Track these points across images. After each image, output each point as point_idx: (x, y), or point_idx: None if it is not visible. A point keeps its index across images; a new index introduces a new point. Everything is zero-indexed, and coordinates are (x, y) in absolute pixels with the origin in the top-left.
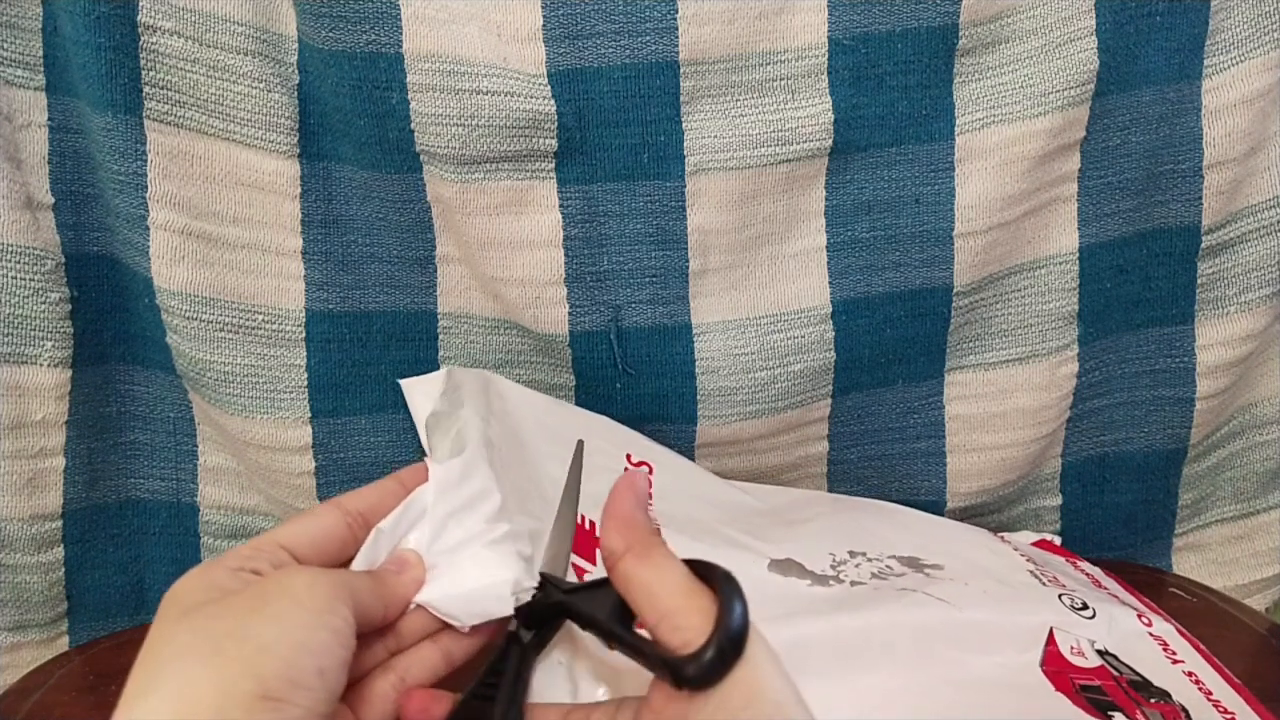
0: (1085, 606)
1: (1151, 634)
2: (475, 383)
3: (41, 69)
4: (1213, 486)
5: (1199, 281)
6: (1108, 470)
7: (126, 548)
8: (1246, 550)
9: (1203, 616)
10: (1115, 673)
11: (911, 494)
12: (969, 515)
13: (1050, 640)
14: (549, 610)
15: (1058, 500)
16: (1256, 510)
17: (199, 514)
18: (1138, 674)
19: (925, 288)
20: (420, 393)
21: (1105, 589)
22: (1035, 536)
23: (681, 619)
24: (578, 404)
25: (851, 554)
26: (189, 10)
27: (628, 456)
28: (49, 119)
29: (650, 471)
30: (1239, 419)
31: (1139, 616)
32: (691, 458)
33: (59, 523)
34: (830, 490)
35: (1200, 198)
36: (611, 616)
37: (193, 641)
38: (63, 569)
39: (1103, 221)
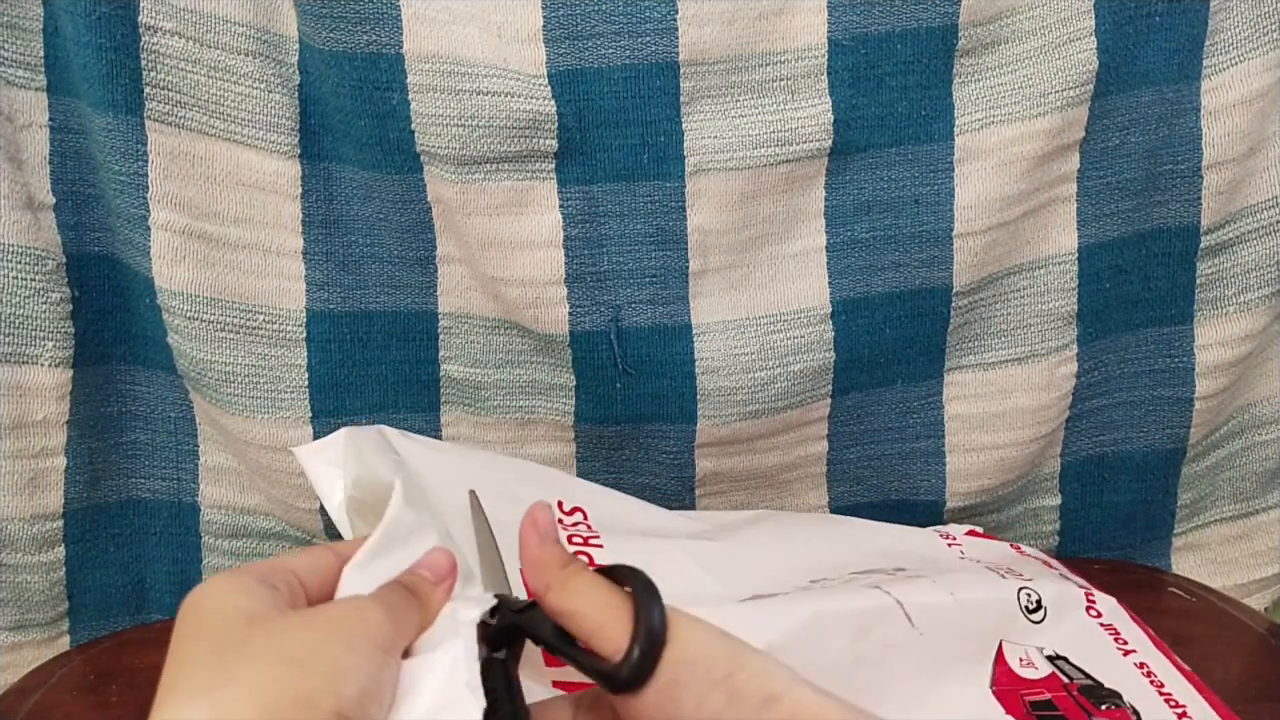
0: (1038, 608)
1: (1102, 624)
2: (374, 439)
3: (42, 69)
4: (1212, 486)
5: (1198, 281)
6: (1107, 470)
7: (127, 547)
8: (1246, 550)
9: (1202, 616)
10: (1066, 679)
11: (911, 494)
12: (968, 515)
13: (999, 657)
14: (508, 631)
15: (1057, 500)
16: (1256, 510)
17: (200, 514)
18: (1089, 677)
19: (925, 288)
20: (319, 459)
21: (1056, 569)
22: (967, 527)
23: (609, 630)
24: (578, 404)
25: (813, 582)
26: (190, 11)
27: (559, 504)
28: (50, 119)
29: (585, 516)
30: (1238, 419)
31: (1087, 603)
32: (691, 457)
33: (60, 522)
34: (830, 490)
35: (1199, 198)
36: (554, 634)
37: (271, 646)
38: (64, 569)
39: (1102, 222)
